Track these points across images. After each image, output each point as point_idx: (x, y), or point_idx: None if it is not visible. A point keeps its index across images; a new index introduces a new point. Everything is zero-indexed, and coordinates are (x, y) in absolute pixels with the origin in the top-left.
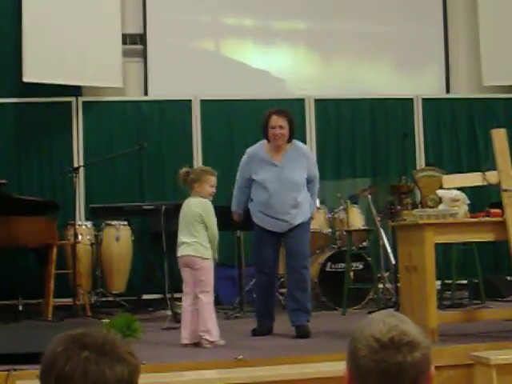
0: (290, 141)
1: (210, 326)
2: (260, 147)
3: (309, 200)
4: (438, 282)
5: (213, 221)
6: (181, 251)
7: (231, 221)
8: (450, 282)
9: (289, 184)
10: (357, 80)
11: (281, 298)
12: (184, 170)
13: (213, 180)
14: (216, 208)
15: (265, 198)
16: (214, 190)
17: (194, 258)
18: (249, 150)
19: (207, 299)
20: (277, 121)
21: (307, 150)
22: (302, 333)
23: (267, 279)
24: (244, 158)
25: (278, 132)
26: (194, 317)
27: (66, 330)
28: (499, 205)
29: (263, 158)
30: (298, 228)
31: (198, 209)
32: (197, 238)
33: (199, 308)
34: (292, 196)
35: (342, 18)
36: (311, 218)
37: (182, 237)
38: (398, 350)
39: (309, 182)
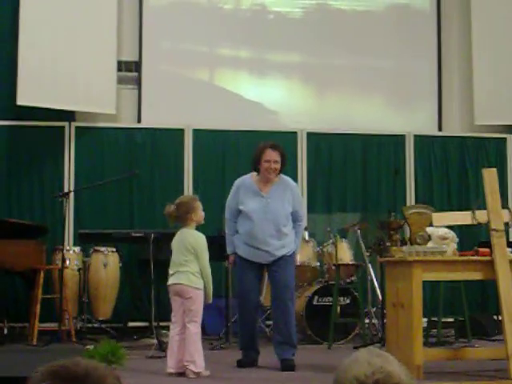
0: (278, 174)
1: (196, 357)
2: (248, 178)
3: (292, 234)
4: (425, 319)
5: (204, 255)
6: (172, 279)
7: (220, 251)
8: (436, 319)
9: (274, 215)
10: (350, 114)
11: (267, 330)
12: (172, 206)
13: (200, 204)
14: (206, 238)
15: (249, 228)
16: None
17: (185, 286)
18: (237, 181)
19: (195, 329)
20: (272, 155)
21: (294, 185)
22: (287, 366)
23: (250, 310)
24: (232, 189)
25: (273, 166)
26: (181, 346)
27: (50, 356)
28: (488, 244)
29: (251, 188)
30: (283, 260)
31: (192, 241)
32: (189, 268)
33: (186, 337)
34: (276, 227)
35: (337, 52)
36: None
37: (175, 266)
38: None
39: (294, 220)
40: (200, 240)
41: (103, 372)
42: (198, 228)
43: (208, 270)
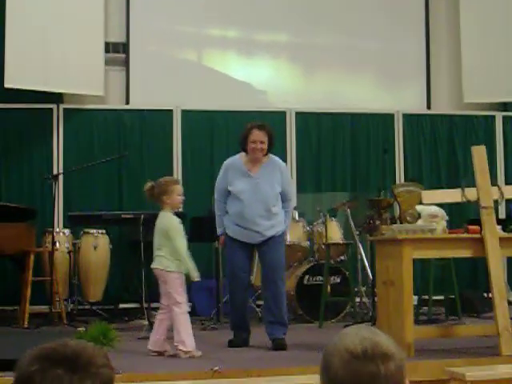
0: (266, 154)
1: (184, 337)
2: (237, 159)
3: (281, 214)
4: (415, 297)
5: (175, 235)
6: (152, 264)
7: (210, 232)
8: (426, 297)
9: (263, 195)
10: (338, 93)
11: (257, 310)
12: (148, 184)
13: (179, 188)
14: (196, 219)
15: (239, 209)
16: (182, 197)
17: (159, 271)
18: (226, 162)
19: (180, 310)
20: (258, 135)
21: (283, 166)
22: (279, 345)
23: (240, 289)
24: (221, 169)
25: (259, 146)
26: (161, 326)
27: (42, 339)
28: (477, 221)
29: (240, 169)
30: (272, 240)
31: (163, 224)
32: (162, 252)
33: (172, 319)
34: (266, 207)
35: (325, 32)
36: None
37: (154, 250)
38: (371, 360)
39: (283, 200)
40: (171, 221)
41: (92, 352)
42: (187, 208)
43: (182, 250)
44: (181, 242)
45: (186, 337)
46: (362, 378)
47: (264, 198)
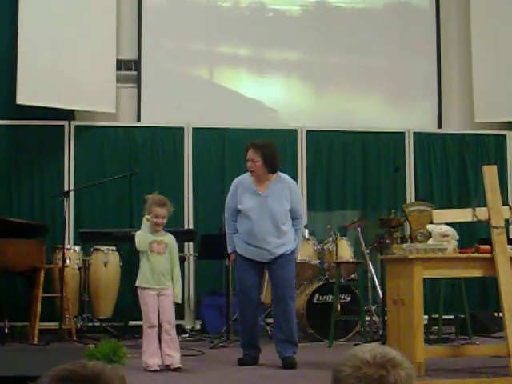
0: (273, 172)
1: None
2: (246, 177)
3: (292, 233)
4: (426, 317)
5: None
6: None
7: (220, 249)
8: (437, 316)
9: (272, 213)
10: (349, 112)
11: (268, 328)
12: (147, 196)
13: (158, 211)
14: (206, 236)
15: (248, 227)
16: (158, 220)
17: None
18: (235, 180)
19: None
20: (249, 154)
21: (293, 183)
22: (289, 364)
23: (250, 307)
24: (231, 188)
25: (250, 165)
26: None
27: (52, 356)
28: (488, 241)
29: (248, 187)
30: (283, 258)
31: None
32: None
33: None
34: (275, 225)
35: (336, 50)
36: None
37: None
38: (380, 366)
39: (293, 217)
40: (136, 240)
41: (110, 374)
42: (198, 226)
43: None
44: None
45: (143, 353)
46: (372, 382)
47: (273, 215)
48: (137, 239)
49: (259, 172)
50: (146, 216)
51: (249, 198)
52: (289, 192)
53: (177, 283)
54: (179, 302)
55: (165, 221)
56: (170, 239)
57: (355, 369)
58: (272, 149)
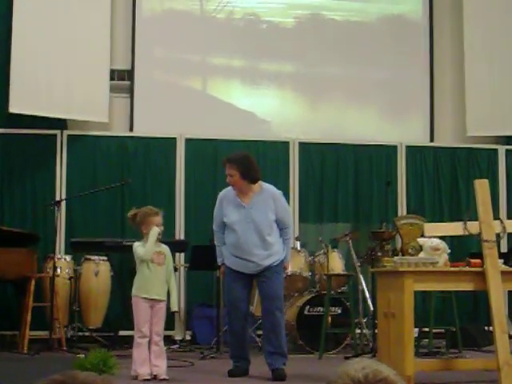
0: (254, 182)
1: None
2: (231, 190)
3: (280, 243)
4: (416, 330)
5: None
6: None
7: (211, 260)
8: (427, 329)
9: (256, 225)
10: (342, 124)
11: (257, 339)
12: (132, 212)
13: (157, 220)
14: (197, 247)
15: (234, 240)
16: (159, 229)
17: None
18: (220, 194)
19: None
20: (227, 169)
21: (277, 193)
22: (278, 376)
23: (239, 319)
24: (217, 201)
25: (229, 180)
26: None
27: (41, 365)
28: (479, 255)
29: (232, 200)
30: (270, 270)
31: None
32: None
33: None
34: (260, 237)
35: (330, 62)
36: (285, 268)
37: None
38: None
39: (281, 227)
40: (140, 250)
41: None
42: (189, 236)
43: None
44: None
45: (133, 363)
46: None
47: (257, 227)
48: (142, 249)
49: (239, 185)
50: (155, 227)
51: (233, 210)
52: (273, 202)
53: (173, 291)
54: (176, 309)
55: (162, 228)
56: (166, 250)
57: None
58: (247, 161)
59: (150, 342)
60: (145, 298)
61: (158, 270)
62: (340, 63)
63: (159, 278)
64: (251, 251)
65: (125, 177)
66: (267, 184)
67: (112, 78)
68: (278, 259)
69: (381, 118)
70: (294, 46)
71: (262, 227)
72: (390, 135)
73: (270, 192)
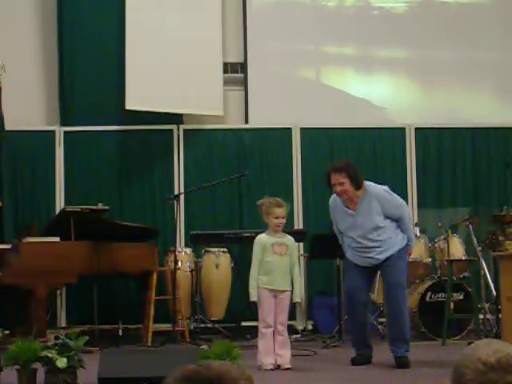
0: (360, 188)
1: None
2: (337, 198)
3: (398, 233)
4: None
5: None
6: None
7: (331, 249)
8: None
9: (364, 231)
10: (458, 108)
11: (379, 327)
12: (260, 201)
13: (277, 212)
14: (316, 236)
15: (350, 242)
16: (279, 221)
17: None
18: (330, 202)
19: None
20: (334, 178)
21: (380, 192)
22: (402, 364)
23: (358, 308)
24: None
25: (339, 189)
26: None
27: (166, 357)
28: None
29: (340, 208)
30: (392, 258)
31: None
32: None
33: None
34: (371, 239)
35: (442, 46)
36: (409, 254)
37: None
38: (506, 371)
39: (396, 221)
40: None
41: (236, 374)
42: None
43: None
44: (252, 265)
45: (258, 353)
46: None
47: (365, 233)
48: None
49: (349, 193)
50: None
51: (342, 218)
52: (377, 203)
53: (297, 282)
54: (298, 300)
55: (284, 221)
56: (290, 240)
57: (479, 374)
58: (353, 166)
59: (274, 332)
60: (268, 288)
61: (280, 261)
62: (453, 46)
63: (282, 269)
64: (367, 251)
65: (241, 169)
66: (369, 183)
67: (225, 72)
68: (397, 248)
69: (498, 99)
70: (405, 31)
71: (369, 232)
72: (507, 117)
73: (373, 193)
